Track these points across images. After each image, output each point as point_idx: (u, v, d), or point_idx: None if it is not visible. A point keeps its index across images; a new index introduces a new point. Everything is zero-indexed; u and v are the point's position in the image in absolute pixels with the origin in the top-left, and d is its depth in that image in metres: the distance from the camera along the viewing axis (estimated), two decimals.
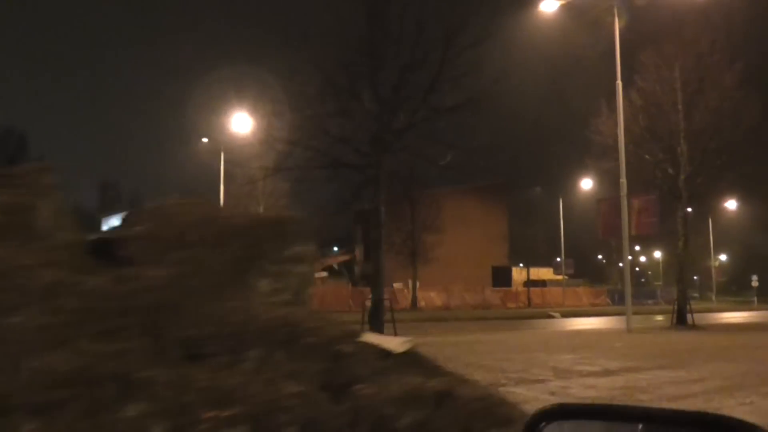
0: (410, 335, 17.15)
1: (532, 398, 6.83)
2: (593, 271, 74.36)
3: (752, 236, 68.42)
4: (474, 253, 53.80)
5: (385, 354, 2.36)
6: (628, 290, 19.10)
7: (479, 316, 32.32)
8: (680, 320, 19.85)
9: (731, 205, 56.48)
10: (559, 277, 52.26)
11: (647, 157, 20.63)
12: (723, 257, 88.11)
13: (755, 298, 58.04)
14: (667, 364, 10.10)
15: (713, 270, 61.94)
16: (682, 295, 20.30)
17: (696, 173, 20.07)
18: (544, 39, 22.63)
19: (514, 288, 53.25)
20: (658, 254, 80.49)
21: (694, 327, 19.50)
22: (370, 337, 2.49)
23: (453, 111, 12.83)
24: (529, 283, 51.59)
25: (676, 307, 20.12)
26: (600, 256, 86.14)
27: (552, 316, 32.38)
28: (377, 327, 13.37)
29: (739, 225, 65.03)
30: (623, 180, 18.81)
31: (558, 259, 55.80)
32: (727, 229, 64.76)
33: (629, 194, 19.20)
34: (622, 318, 30.14)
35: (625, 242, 18.65)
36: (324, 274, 46.55)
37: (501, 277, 54.33)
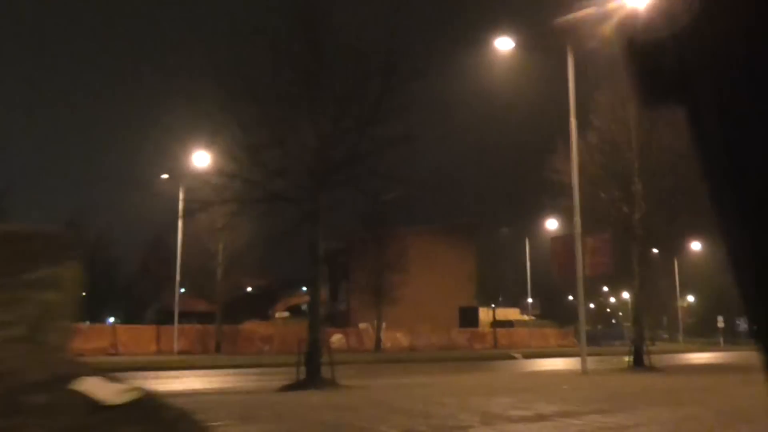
0: (356, 378, 16.48)
1: None
2: (563, 312, 74.10)
3: (719, 278, 68.93)
4: (441, 294, 53.26)
5: (101, 406, 1.80)
6: (583, 331, 18.66)
7: (441, 357, 31.64)
8: (637, 362, 19.39)
9: (696, 246, 56.92)
10: (526, 317, 51.79)
11: (603, 195, 20.41)
12: (691, 298, 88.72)
13: (721, 339, 58.08)
14: (607, 408, 9.55)
15: (680, 311, 61.99)
16: (638, 336, 19.89)
17: (651, 213, 19.87)
18: (499, 76, 22.56)
19: (480, 329, 52.64)
20: (626, 295, 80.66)
21: (651, 369, 19.05)
22: (90, 384, 1.91)
23: (392, 144, 12.43)
24: (496, 323, 51.08)
25: (632, 348, 19.67)
26: (571, 297, 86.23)
27: (514, 357, 31.83)
28: (313, 371, 12.66)
29: (706, 266, 65.53)
30: (577, 218, 18.53)
31: (529, 300, 55.46)
32: (694, 271, 65.19)
33: (584, 233, 18.91)
34: (589, 359, 29.80)
35: (580, 282, 18.25)
36: (286, 314, 45.55)
37: (468, 318, 53.76)
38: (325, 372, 12.81)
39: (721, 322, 57.44)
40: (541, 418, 8.35)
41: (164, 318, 50.76)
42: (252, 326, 41.64)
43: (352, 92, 12.58)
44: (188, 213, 12.30)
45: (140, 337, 35.34)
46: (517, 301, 58.93)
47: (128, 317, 59.46)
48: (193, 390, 13.35)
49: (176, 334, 34.85)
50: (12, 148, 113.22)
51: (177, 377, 19.02)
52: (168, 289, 41.62)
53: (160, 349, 35.06)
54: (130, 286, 65.14)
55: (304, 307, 55.59)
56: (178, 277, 35.17)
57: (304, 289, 59.00)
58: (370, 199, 13.29)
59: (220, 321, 37.84)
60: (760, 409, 9.53)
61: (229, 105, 12.54)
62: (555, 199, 20.66)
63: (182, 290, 52.68)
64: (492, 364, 27.67)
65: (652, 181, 19.67)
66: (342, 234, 48.96)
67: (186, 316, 44.00)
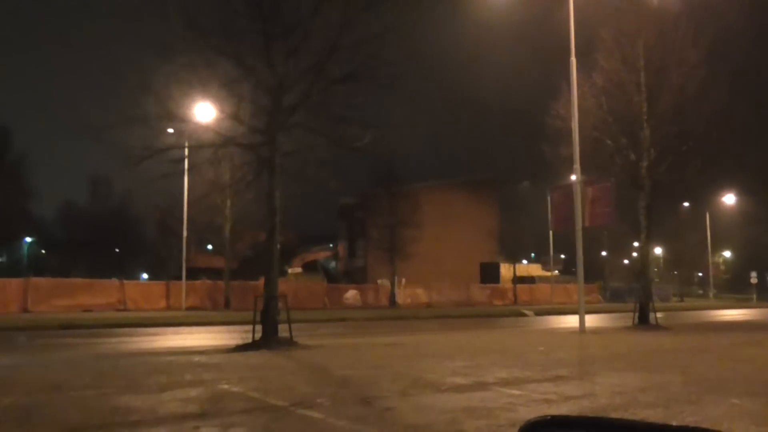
0: (331, 337, 15.64)
1: (320, 420, 5.28)
2: (591, 267, 72.22)
3: (753, 232, 66.42)
4: (462, 250, 52.25)
5: None
6: (581, 286, 17.52)
7: (450, 314, 30.72)
8: (642, 320, 18.18)
9: (730, 199, 54.63)
10: (549, 273, 50.43)
11: (609, 142, 18.94)
12: (727, 254, 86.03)
13: (754, 296, 56.08)
14: (567, 374, 8.51)
15: (711, 267, 59.90)
16: (644, 292, 18.59)
17: (659, 160, 18.38)
18: (497, 16, 21.01)
19: (502, 285, 51.53)
20: (658, 250, 78.49)
21: (657, 327, 17.84)
22: None
23: (353, 80, 11.24)
24: (516, 279, 49.87)
25: (637, 306, 18.43)
26: (604, 253, 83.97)
27: (524, 314, 30.77)
28: (268, 330, 11.81)
29: (741, 220, 63.11)
30: (577, 166, 17.21)
31: (551, 255, 54.01)
32: (729, 225, 62.81)
33: (585, 183, 17.59)
34: (605, 316, 28.61)
35: (579, 234, 17.00)
36: (298, 270, 45.02)
37: (489, 274, 52.70)
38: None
39: (754, 278, 55.40)
40: (479, 387, 7.34)
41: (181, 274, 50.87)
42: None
43: (307, 25, 11.38)
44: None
45: (150, 293, 35.17)
46: (540, 257, 57.58)
47: (154, 274, 59.74)
48: (163, 348, 12.64)
49: (184, 290, 34.54)
50: (30, 111, 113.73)
51: (170, 334, 18.41)
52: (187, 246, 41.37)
53: (169, 305, 34.90)
54: (156, 244, 65.39)
55: (332, 264, 55.11)
56: (185, 233, 34.68)
57: (331, 245, 58.52)
58: (335, 145, 12.09)
59: (228, 277, 37.41)
60: (743, 378, 8.38)
61: (179, 43, 11.46)
62: (556, 148, 19.16)
63: (209, 247, 52.68)
64: (499, 321, 26.68)
65: (661, 127, 18.13)
66: (359, 189, 48.27)
67: (205, 272, 43.82)
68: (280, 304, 12.29)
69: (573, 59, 17.42)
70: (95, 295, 33.05)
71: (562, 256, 54.70)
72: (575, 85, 17.36)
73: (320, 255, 50.63)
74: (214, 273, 42.59)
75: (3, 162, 58.01)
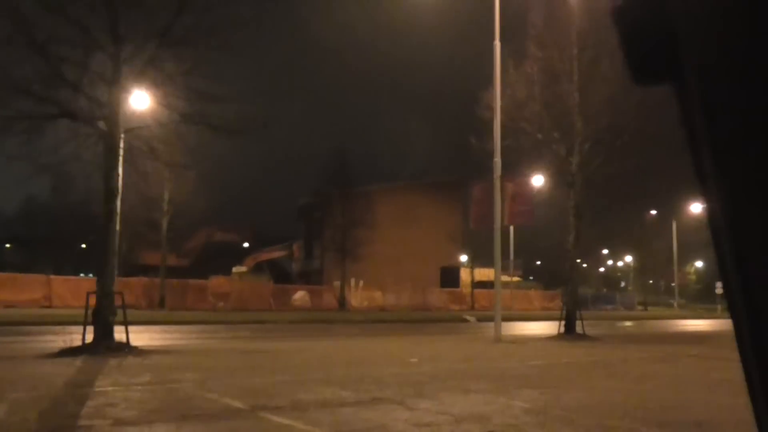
0: (241, 337, 14.04)
1: None
2: (559, 273, 71.09)
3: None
4: (424, 253, 50.81)
5: None
6: (498, 290, 16.09)
7: (388, 318, 29.19)
8: (568, 329, 16.74)
9: (696, 208, 53.70)
10: (513, 278, 49.03)
11: (539, 136, 17.51)
12: (699, 264, 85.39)
13: (718, 306, 55.13)
14: (393, 396, 6.96)
15: (676, 276, 58.89)
16: (570, 299, 17.16)
17: (592, 155, 16.98)
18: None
19: (461, 289, 50.10)
20: (629, 258, 77.59)
21: (583, 337, 16.40)
22: None
23: (188, 41, 9.67)
24: (477, 284, 48.47)
25: (563, 313, 16.99)
26: (579, 260, 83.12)
27: (466, 320, 29.32)
28: (102, 328, 10.19)
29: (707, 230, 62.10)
30: (497, 159, 15.76)
31: (510, 260, 52.66)
32: (702, 235, 61.85)
33: (505, 179, 16.13)
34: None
35: (497, 233, 15.55)
36: (243, 269, 43.25)
37: (450, 278, 51.24)
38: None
39: (719, 289, 54.37)
40: (248, 413, 5.77)
41: (130, 271, 48.98)
42: (215, 281, 39.40)
43: None
44: None
45: (78, 288, 33.14)
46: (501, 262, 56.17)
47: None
48: None
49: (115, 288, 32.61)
50: None
51: (45, 334, 16.64)
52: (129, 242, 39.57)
53: None
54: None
55: (287, 264, 53.37)
56: (117, 227, 32.71)
57: (285, 245, 56.72)
58: (191, 123, 10.51)
59: (164, 275, 35.61)
60: (607, 405, 6.90)
61: None
62: (486, 141, 17.65)
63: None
64: (437, 326, 25.17)
65: (594, 120, 16.73)
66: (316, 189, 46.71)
67: (154, 270, 42.02)
68: (118, 303, 10.65)
69: (497, 42, 16.00)
70: (22, 290, 31.25)
71: (511, 260, 53.41)
72: (498, 69, 15.92)
73: (273, 255, 48.83)
74: (169, 271, 40.74)
75: None
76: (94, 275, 38.14)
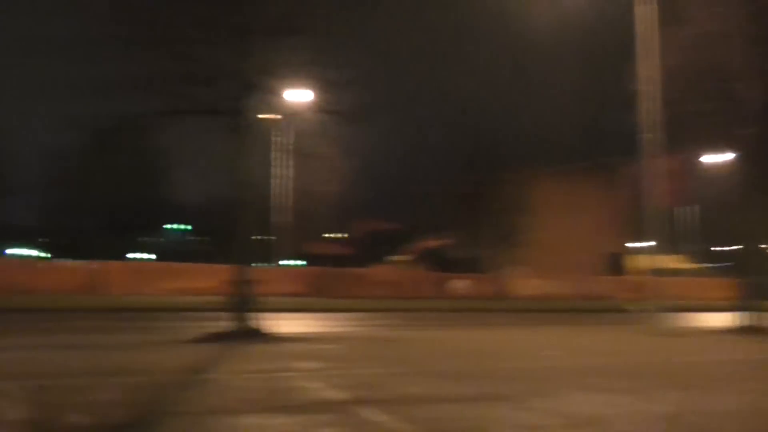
0: (394, 326, 14.16)
1: None
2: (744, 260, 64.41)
3: None
4: (590, 239, 48.56)
5: None
6: (665, 277, 14.64)
7: (548, 308, 27.98)
8: (744, 321, 14.88)
9: None
10: (686, 265, 45.26)
11: (703, 106, 15.72)
12: None
13: None
14: (510, 393, 6.40)
15: None
16: (749, 287, 15.20)
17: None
18: None
19: (628, 277, 47.06)
20: None
21: (762, 331, 14.50)
22: None
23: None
24: (648, 271, 45.21)
25: (740, 304, 15.12)
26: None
27: (628, 310, 27.28)
28: (239, 315, 10.58)
29: None
30: (653, 134, 14.36)
31: (687, 246, 48.71)
32: None
33: (663, 156, 14.67)
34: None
35: (662, 213, 14.18)
36: (403, 257, 43.71)
37: (618, 265, 48.41)
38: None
39: None
40: (338, 404, 5.54)
41: (297, 260, 51.56)
42: (375, 270, 40.30)
43: None
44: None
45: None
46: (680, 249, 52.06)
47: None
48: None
49: (282, 276, 34.51)
50: None
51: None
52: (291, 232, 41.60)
53: (269, 291, 35.03)
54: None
55: (449, 253, 53.35)
56: (279, 218, 34.48)
57: (446, 234, 56.68)
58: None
59: (325, 263, 37.03)
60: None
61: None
62: (635, 115, 16.10)
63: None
64: (595, 316, 23.75)
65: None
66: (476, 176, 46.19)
67: (317, 260, 43.96)
68: (254, 290, 10.97)
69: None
70: (200, 278, 33.90)
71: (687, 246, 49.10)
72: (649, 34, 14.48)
73: (433, 243, 48.83)
74: (331, 260, 42.43)
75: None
76: (260, 264, 40.59)
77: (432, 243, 49.48)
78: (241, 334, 10.29)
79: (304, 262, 51.36)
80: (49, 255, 53.78)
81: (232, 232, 10.84)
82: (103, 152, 52.69)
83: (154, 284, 32.68)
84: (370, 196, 41.76)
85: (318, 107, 10.65)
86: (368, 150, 46.68)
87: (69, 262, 33.80)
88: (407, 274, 40.12)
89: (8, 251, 53.39)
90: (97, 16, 10.19)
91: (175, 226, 77.14)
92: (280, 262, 49.84)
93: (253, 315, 10.78)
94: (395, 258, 43.69)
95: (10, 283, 29.60)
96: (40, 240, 60.72)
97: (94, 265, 32.48)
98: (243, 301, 10.65)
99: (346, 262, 42.87)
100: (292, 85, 10.76)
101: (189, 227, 76.79)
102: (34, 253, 55.95)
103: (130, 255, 58.49)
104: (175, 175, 60.89)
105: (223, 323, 10.81)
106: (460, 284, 40.52)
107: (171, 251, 61.18)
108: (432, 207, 50.61)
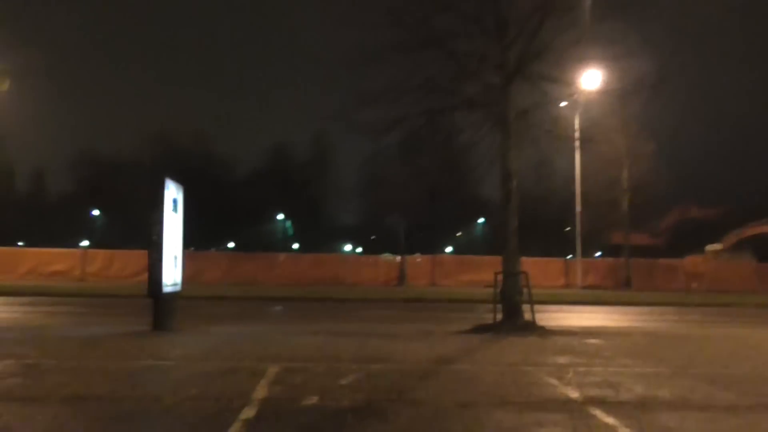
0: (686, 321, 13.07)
1: None
2: None
3: None
4: None
5: None
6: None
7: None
8: None
9: None
10: None
11: None
12: None
13: None
14: None
15: None
16: None
17: None
18: None
19: None
20: None
21: None
22: None
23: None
24: None
25: None
26: None
27: None
28: (508, 307, 10.59)
29: None
30: None
31: None
32: None
33: None
34: None
35: None
36: (719, 246, 38.97)
37: None
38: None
39: None
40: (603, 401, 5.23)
41: (599, 252, 49.39)
42: (688, 261, 36.89)
43: None
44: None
45: (547, 269, 34.83)
46: None
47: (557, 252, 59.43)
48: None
49: (580, 268, 33.46)
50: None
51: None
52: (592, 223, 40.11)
53: (567, 283, 34.48)
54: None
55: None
56: (578, 208, 33.37)
57: None
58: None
59: (628, 254, 34.87)
60: None
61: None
62: None
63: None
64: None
65: None
66: None
67: (622, 250, 41.83)
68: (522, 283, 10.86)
69: None
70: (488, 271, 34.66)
71: None
72: None
73: (758, 230, 42.69)
74: (636, 251, 40.10)
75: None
76: (565, 257, 39.78)
77: (753, 230, 43.43)
78: (511, 326, 10.29)
79: (599, 253, 49.20)
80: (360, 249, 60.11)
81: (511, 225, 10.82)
82: (409, 153, 56.70)
83: (452, 276, 34.38)
84: (683, 181, 38.05)
85: (607, 85, 10.17)
86: (668, 130, 42.59)
87: (381, 257, 37.11)
88: (724, 265, 35.86)
89: (344, 248, 60.88)
90: (374, 25, 10.87)
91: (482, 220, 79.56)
92: (596, 255, 48.38)
93: (526, 308, 10.73)
94: (712, 247, 39.31)
95: (333, 276, 33.81)
96: (360, 238, 67.52)
97: (399, 259, 35.32)
98: (511, 294, 10.63)
99: (655, 252, 39.90)
100: (563, 70, 10.41)
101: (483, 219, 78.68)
102: (358, 249, 62.58)
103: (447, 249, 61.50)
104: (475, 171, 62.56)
105: (499, 315, 10.91)
106: None
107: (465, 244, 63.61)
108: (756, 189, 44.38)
